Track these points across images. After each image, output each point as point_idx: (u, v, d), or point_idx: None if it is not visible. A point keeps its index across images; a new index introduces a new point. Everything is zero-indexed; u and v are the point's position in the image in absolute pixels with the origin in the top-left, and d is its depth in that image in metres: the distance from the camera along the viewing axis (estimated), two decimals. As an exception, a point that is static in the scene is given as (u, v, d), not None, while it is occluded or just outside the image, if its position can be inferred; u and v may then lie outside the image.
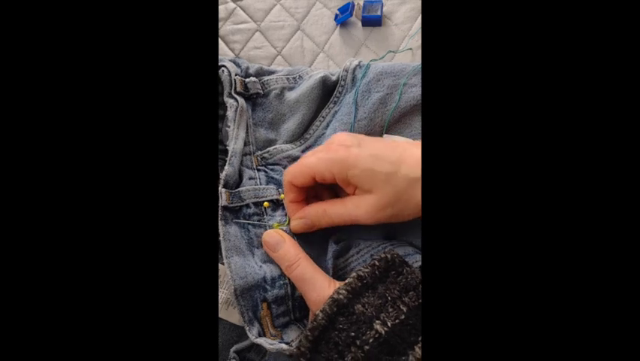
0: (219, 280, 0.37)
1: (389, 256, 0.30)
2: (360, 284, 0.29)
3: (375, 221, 0.32)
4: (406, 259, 0.33)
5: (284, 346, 0.31)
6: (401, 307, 0.27)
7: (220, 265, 0.37)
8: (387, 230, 0.39)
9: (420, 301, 0.28)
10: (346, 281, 0.29)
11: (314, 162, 0.33)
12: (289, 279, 0.34)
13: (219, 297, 0.36)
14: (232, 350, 0.35)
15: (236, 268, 0.34)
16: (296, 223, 0.35)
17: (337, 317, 0.28)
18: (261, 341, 0.32)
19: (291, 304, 0.35)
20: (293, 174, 0.34)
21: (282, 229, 0.37)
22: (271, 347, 0.31)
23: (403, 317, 0.27)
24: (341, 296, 0.28)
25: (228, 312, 0.36)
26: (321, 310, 0.28)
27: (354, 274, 0.29)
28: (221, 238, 0.35)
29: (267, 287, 0.35)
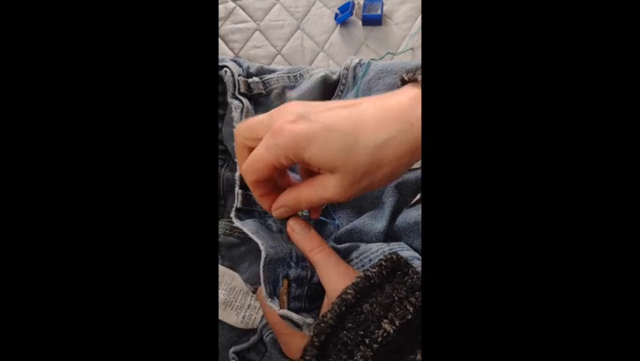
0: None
1: (394, 256, 0.30)
2: (367, 284, 0.28)
3: (349, 198, 0.30)
4: None
5: (311, 320, 0.30)
6: (408, 307, 0.27)
7: (220, 266, 0.37)
8: (388, 230, 0.39)
9: None
10: (353, 281, 0.29)
11: (265, 154, 0.29)
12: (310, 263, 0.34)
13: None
14: (231, 350, 0.35)
15: (266, 238, 0.33)
16: (277, 213, 0.33)
17: (346, 316, 0.28)
18: (287, 312, 0.30)
19: (306, 290, 0.35)
20: (252, 172, 0.30)
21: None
22: (299, 318, 0.30)
23: (409, 316, 0.27)
24: (349, 296, 0.28)
25: (226, 313, 0.36)
26: (329, 310, 0.28)
27: (361, 274, 0.29)
28: (241, 227, 0.35)
29: (292, 264, 0.34)
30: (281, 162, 0.29)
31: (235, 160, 0.39)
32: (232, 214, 0.36)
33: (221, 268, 0.37)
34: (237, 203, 0.37)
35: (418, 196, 0.39)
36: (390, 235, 0.39)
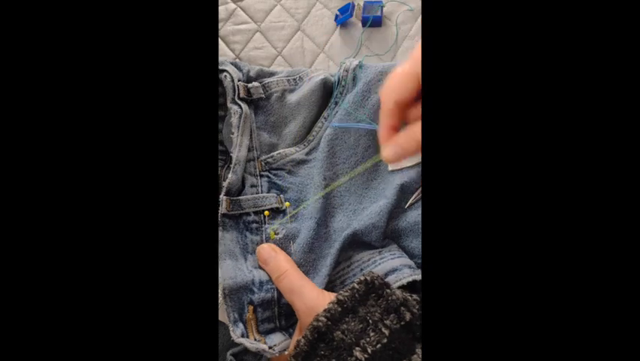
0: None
1: (369, 278, 0.30)
2: (340, 309, 0.29)
3: None
4: (395, 274, 0.33)
5: (265, 347, 0.32)
6: (383, 330, 0.27)
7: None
8: (387, 230, 0.38)
9: (401, 323, 0.28)
10: (326, 307, 0.29)
11: (415, 68, 0.27)
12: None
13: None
14: (229, 352, 0.35)
15: (227, 269, 0.35)
16: (388, 151, 0.30)
17: (318, 343, 0.28)
18: (243, 340, 0.32)
19: (277, 311, 0.35)
20: (397, 90, 0.28)
21: (277, 235, 0.37)
22: (251, 345, 0.32)
23: (385, 340, 0.27)
24: (320, 323, 0.28)
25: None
26: (303, 336, 0.28)
27: (333, 298, 0.29)
28: (219, 245, 0.36)
29: (255, 289, 0.35)
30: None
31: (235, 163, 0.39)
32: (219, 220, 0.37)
33: (222, 269, 0.37)
34: (222, 209, 0.37)
35: (417, 196, 0.39)
36: (389, 235, 0.39)
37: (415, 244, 0.37)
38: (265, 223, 0.39)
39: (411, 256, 0.37)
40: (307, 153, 0.42)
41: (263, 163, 0.42)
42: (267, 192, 0.40)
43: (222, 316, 0.36)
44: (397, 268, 0.34)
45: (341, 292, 0.30)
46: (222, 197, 0.38)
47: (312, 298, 0.31)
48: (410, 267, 0.35)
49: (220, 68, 0.42)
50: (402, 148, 0.29)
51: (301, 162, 0.42)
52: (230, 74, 0.41)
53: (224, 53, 0.51)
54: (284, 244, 0.37)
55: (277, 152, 0.42)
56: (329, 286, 0.36)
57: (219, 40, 0.52)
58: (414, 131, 0.29)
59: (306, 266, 0.36)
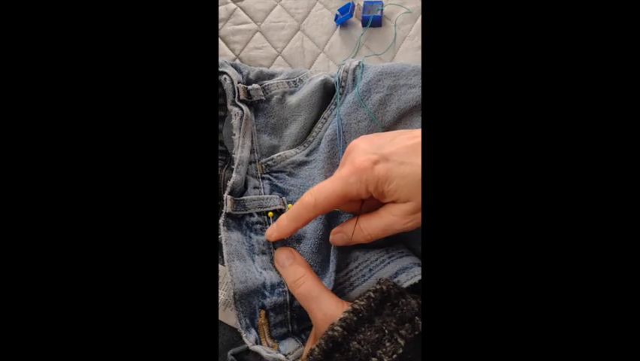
0: (218, 281, 0.37)
1: (384, 287, 0.29)
2: (355, 318, 0.28)
3: (413, 226, 0.32)
4: (406, 273, 0.33)
5: (282, 356, 0.31)
6: (399, 340, 0.27)
7: (220, 266, 0.37)
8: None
9: (416, 333, 0.28)
10: (341, 316, 0.29)
11: (345, 186, 0.32)
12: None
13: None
14: (230, 352, 0.35)
15: (237, 272, 0.34)
16: (335, 238, 0.35)
17: (333, 353, 0.28)
18: (258, 348, 0.31)
19: (289, 314, 0.35)
20: (324, 203, 0.33)
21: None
22: (268, 355, 0.31)
23: (400, 351, 0.27)
24: (336, 333, 0.28)
25: (226, 314, 0.36)
26: (317, 345, 0.28)
27: (349, 307, 0.29)
28: (223, 243, 0.35)
29: (266, 293, 0.35)
30: (360, 194, 0.32)
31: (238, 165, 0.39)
32: (221, 221, 0.36)
33: (221, 268, 0.37)
34: (227, 208, 0.37)
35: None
36: (390, 237, 0.39)
37: (415, 245, 0.37)
38: (269, 224, 0.39)
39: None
40: (307, 155, 0.42)
41: (263, 166, 0.42)
42: (270, 194, 0.40)
43: (220, 316, 0.36)
44: (407, 266, 0.34)
45: (356, 300, 0.29)
46: (227, 196, 0.37)
47: (330, 307, 0.30)
48: (420, 265, 0.35)
49: (220, 70, 0.42)
50: (347, 236, 0.34)
51: (302, 164, 0.42)
52: (229, 76, 0.41)
53: (225, 53, 0.51)
54: (290, 245, 0.37)
55: (277, 154, 0.42)
56: (338, 289, 0.36)
57: (219, 40, 0.52)
58: (361, 226, 0.34)
59: (315, 267, 0.36)
